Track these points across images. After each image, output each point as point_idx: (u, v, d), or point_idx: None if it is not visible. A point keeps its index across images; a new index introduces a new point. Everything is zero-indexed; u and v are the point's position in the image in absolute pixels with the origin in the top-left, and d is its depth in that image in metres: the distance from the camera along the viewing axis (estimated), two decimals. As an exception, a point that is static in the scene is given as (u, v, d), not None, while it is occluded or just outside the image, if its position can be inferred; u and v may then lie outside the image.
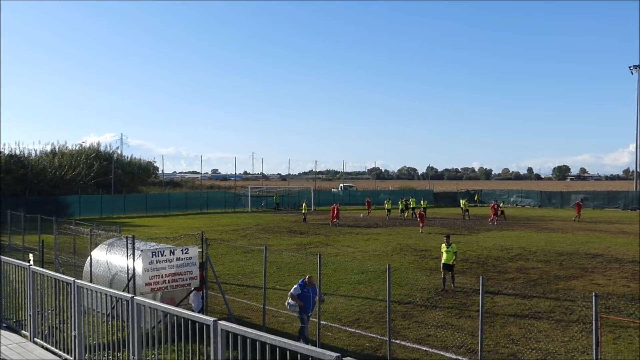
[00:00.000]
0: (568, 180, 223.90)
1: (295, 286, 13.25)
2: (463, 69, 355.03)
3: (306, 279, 13.30)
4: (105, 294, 8.77)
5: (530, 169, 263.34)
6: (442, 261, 19.21)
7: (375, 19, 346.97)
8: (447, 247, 19.11)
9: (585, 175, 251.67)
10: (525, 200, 75.50)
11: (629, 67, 74.90)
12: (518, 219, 50.88)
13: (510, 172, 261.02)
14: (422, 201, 57.17)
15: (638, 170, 74.39)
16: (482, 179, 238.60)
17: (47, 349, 10.09)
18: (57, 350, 9.87)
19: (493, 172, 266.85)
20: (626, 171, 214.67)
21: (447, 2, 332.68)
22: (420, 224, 38.97)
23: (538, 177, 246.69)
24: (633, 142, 75.98)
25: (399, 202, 55.04)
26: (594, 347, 9.00)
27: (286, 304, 13.66)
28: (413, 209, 54.02)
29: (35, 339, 10.48)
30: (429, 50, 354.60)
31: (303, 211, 48.24)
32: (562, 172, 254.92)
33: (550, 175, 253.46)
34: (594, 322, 8.93)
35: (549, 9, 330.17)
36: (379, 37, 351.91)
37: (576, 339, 13.08)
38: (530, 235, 36.51)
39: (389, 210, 52.20)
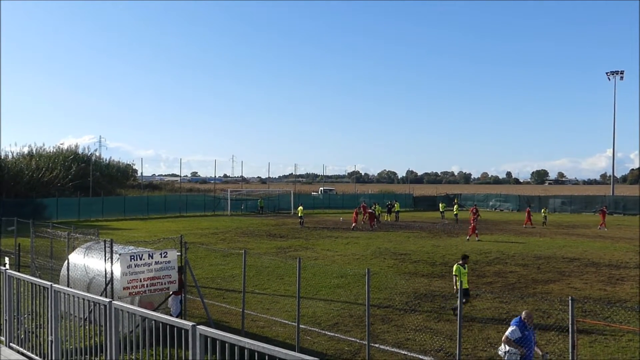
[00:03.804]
0: (546, 184, 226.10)
1: (511, 328, 9.69)
2: (443, 74, 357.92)
3: (523, 316, 9.76)
4: (83, 299, 8.68)
5: (509, 173, 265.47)
6: (459, 287, 14.66)
7: (356, 23, 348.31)
8: (464, 269, 16.29)
9: (564, 179, 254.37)
10: (504, 204, 76.21)
11: (606, 73, 76.56)
12: (497, 222, 51.27)
13: (490, 176, 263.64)
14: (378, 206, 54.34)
15: (615, 174, 75.57)
16: (462, 183, 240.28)
17: (23, 354, 9.97)
18: (33, 355, 9.76)
19: (472, 176, 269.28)
20: (603, 176, 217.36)
21: (425, 6, 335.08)
22: (471, 231, 36.43)
23: (517, 181, 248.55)
24: (610, 147, 77.03)
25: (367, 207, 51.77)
26: (570, 351, 9.09)
27: (500, 352, 9.92)
28: (397, 212, 53.81)
29: (11, 344, 10.34)
30: (410, 54, 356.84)
31: (300, 215, 47.74)
32: (540, 176, 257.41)
33: (529, 180, 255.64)
34: (570, 325, 9.01)
35: (529, 14, 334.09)
36: (359, 41, 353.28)
37: (553, 342, 13.19)
38: (508, 239, 36.82)
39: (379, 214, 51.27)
